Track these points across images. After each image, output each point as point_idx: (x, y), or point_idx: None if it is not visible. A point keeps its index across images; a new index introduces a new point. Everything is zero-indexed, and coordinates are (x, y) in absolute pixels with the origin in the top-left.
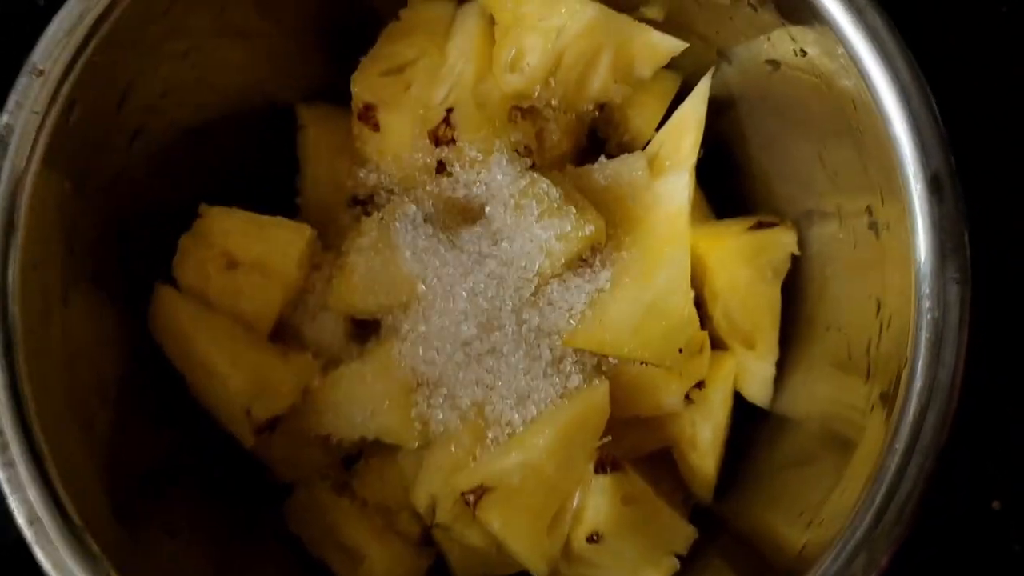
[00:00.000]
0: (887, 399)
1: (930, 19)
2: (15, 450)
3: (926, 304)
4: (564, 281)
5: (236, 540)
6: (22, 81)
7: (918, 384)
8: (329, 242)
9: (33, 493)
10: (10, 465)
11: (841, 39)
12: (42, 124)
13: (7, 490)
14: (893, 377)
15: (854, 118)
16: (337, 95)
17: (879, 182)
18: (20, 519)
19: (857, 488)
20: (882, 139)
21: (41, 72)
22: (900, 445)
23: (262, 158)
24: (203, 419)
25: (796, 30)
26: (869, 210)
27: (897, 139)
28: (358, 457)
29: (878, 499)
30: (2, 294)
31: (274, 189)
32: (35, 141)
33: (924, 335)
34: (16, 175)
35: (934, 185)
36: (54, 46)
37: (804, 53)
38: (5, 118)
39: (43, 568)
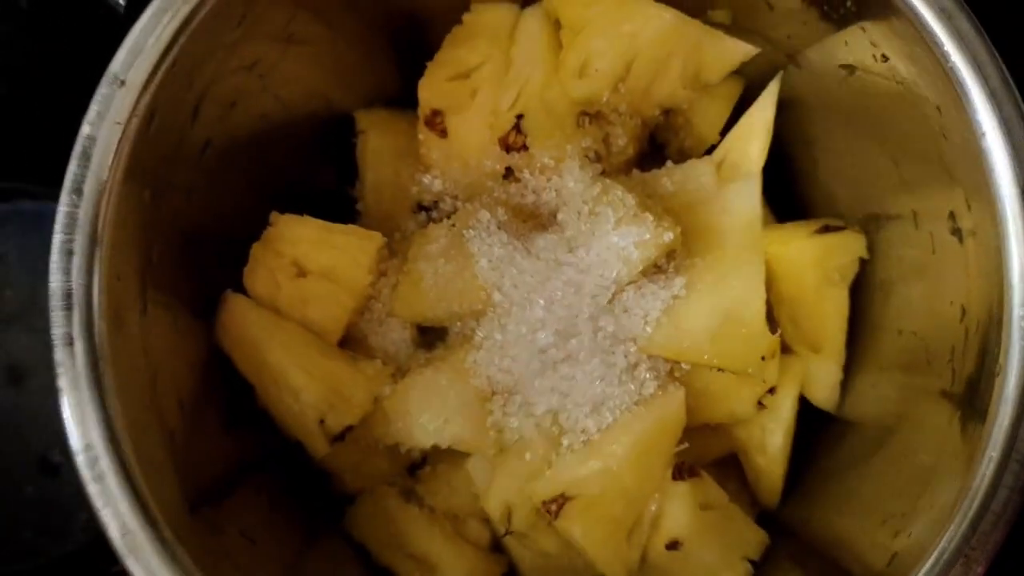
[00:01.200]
0: (974, 406)
1: (1016, 24)
2: (104, 464)
3: (1017, 312)
4: (639, 288)
5: (306, 547)
6: (103, 91)
7: (1013, 393)
8: (392, 249)
9: (124, 506)
10: (100, 479)
11: (930, 44)
12: (124, 134)
13: (98, 504)
14: (981, 384)
15: (937, 124)
16: (395, 101)
17: (964, 188)
18: (112, 531)
19: (947, 497)
20: (970, 146)
21: (123, 82)
22: (995, 454)
23: (323, 166)
24: (266, 429)
25: (877, 35)
26: (952, 216)
27: (988, 146)
28: (422, 464)
29: (974, 508)
30: (88, 309)
31: (335, 197)
32: (117, 152)
33: (1019, 344)
34: (100, 187)
35: None
36: (134, 56)
37: (885, 58)
38: (87, 129)
39: None
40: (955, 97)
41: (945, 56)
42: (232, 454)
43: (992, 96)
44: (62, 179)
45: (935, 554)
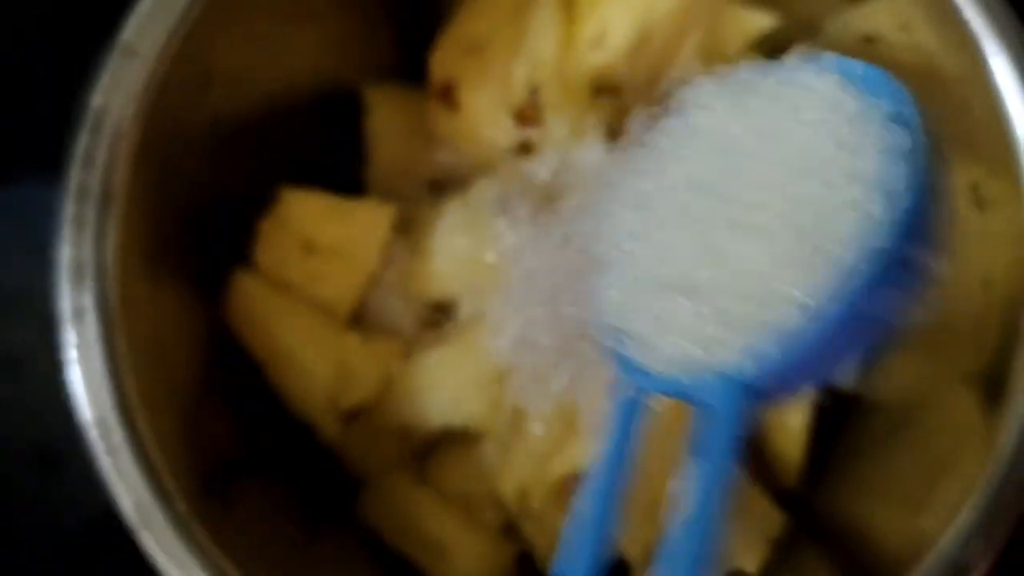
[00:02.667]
0: (999, 382)
1: None
2: (118, 437)
3: None
4: None
5: (316, 531)
6: (114, 61)
7: None
8: (401, 225)
9: (138, 480)
10: (113, 452)
11: (953, 13)
12: (135, 105)
13: (111, 478)
14: (1005, 355)
15: (959, 94)
16: (405, 78)
17: (987, 158)
18: (126, 505)
19: (971, 468)
20: (993, 114)
21: (135, 52)
22: (1019, 421)
23: (330, 144)
24: (276, 412)
25: (900, 5)
26: (974, 187)
27: (1011, 114)
28: (433, 448)
29: (998, 476)
30: (100, 280)
31: (342, 175)
32: (128, 123)
33: None
34: (111, 158)
35: None
36: (145, 23)
37: (906, 28)
38: (98, 99)
39: (149, 553)
40: (978, 66)
41: (967, 24)
42: (243, 438)
43: (1016, 63)
44: (57, 163)
45: (959, 523)
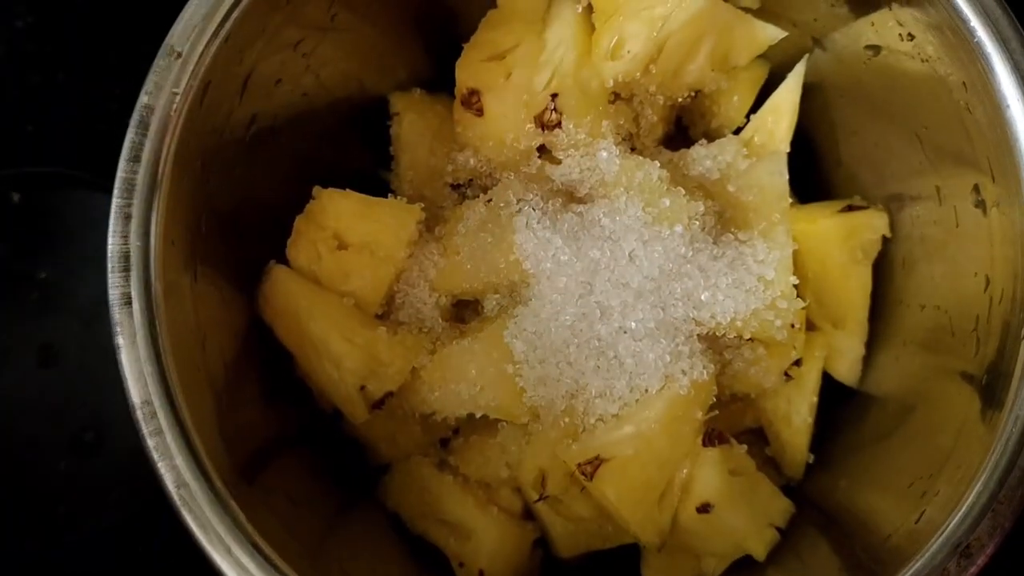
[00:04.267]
0: (999, 373)
1: None
2: (162, 419)
3: None
4: (671, 260)
5: (343, 513)
6: (160, 63)
7: None
8: (427, 225)
9: (180, 460)
10: (158, 433)
11: (956, 21)
12: (180, 105)
13: (155, 457)
14: (1008, 350)
15: (963, 99)
16: (428, 85)
17: (989, 161)
18: (168, 484)
19: (974, 456)
20: (995, 118)
21: (179, 54)
22: (1022, 411)
23: (358, 148)
24: (305, 403)
25: (904, 15)
26: (976, 189)
27: (1012, 118)
28: (455, 435)
29: (1002, 464)
30: (145, 270)
31: (370, 179)
32: (173, 121)
33: None
34: (156, 154)
35: None
36: (191, 30)
37: (911, 37)
38: (145, 99)
39: (190, 529)
40: (980, 72)
41: (971, 32)
42: (272, 426)
43: (1016, 69)
44: (99, 165)
45: (963, 509)
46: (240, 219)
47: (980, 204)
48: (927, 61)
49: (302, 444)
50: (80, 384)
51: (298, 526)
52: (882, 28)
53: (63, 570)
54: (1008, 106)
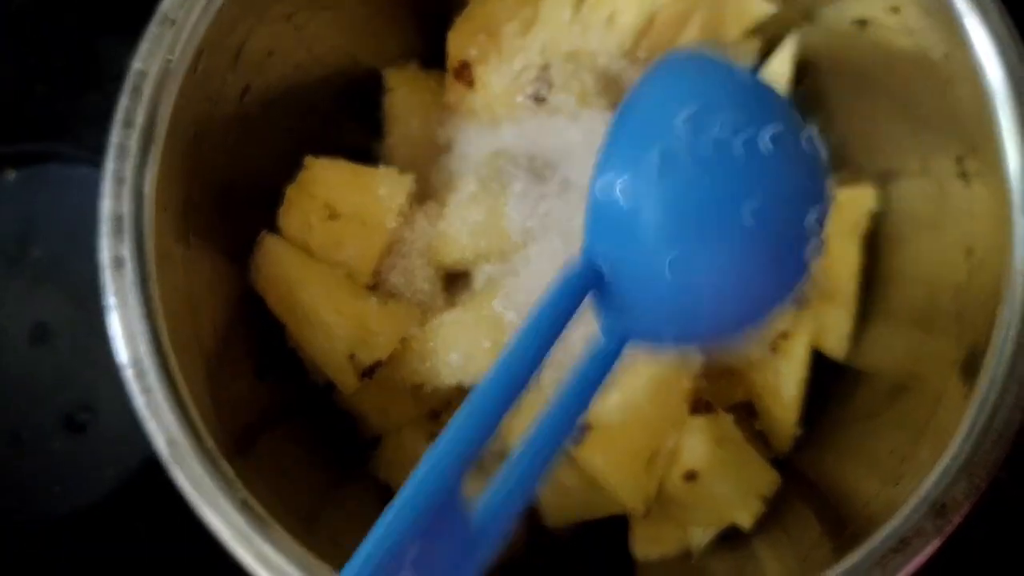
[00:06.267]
0: (977, 341)
1: None
2: (152, 378)
3: (1020, 243)
4: None
5: (334, 486)
6: (153, 30)
7: (1015, 317)
8: (417, 195)
9: (170, 418)
10: (148, 391)
11: None
12: (173, 71)
13: (145, 415)
14: (986, 318)
15: (945, 71)
16: (422, 60)
17: (971, 131)
18: (159, 441)
19: (951, 421)
20: (976, 90)
21: (173, 22)
22: (997, 375)
23: (349, 121)
24: (295, 379)
25: None
26: (959, 159)
27: (992, 90)
28: (447, 408)
29: (977, 427)
30: (138, 232)
31: (360, 152)
32: (167, 87)
33: (1018, 271)
34: (149, 119)
35: None
36: None
37: (896, 10)
38: (138, 64)
39: (180, 487)
40: (961, 44)
41: (951, 4)
42: (264, 398)
43: (996, 40)
44: (95, 142)
45: (939, 470)
46: (233, 189)
47: (963, 176)
48: (912, 34)
49: (294, 418)
50: (73, 363)
51: (290, 496)
52: (869, 2)
53: (58, 548)
54: (988, 76)
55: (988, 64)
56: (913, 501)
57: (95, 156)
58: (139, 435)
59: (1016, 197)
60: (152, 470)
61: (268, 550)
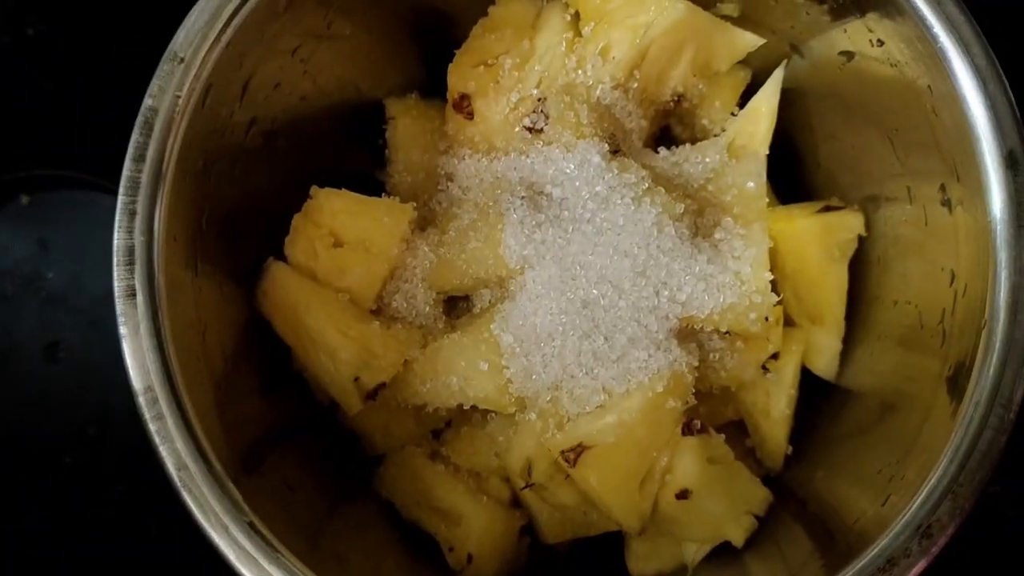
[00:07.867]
0: (962, 363)
1: (1002, 8)
2: (163, 404)
3: (1003, 271)
4: (653, 257)
5: (338, 502)
6: (164, 67)
7: (997, 342)
8: (419, 223)
9: (180, 444)
10: (160, 418)
11: (921, 28)
12: (183, 107)
13: (157, 440)
14: (970, 341)
15: (929, 102)
16: (422, 90)
17: (954, 161)
18: (169, 467)
19: (937, 442)
20: (959, 120)
21: (182, 60)
22: (981, 397)
23: (353, 150)
24: (301, 398)
25: (874, 22)
26: (943, 188)
27: (974, 120)
28: (447, 426)
29: (962, 448)
30: (150, 263)
31: (364, 180)
32: (176, 123)
33: (1002, 298)
34: (160, 154)
35: (1010, 161)
36: (193, 36)
37: (881, 43)
38: (150, 101)
39: (190, 510)
40: (944, 76)
41: (935, 38)
42: (270, 417)
43: (978, 73)
44: (106, 168)
45: (925, 492)
46: (240, 217)
47: (946, 203)
48: (896, 66)
49: (299, 436)
50: (85, 380)
51: (295, 513)
52: (855, 35)
53: (71, 561)
54: (970, 108)
55: (970, 95)
56: (900, 522)
57: (105, 181)
58: (149, 450)
59: (998, 233)
60: (163, 485)
61: (274, 571)
